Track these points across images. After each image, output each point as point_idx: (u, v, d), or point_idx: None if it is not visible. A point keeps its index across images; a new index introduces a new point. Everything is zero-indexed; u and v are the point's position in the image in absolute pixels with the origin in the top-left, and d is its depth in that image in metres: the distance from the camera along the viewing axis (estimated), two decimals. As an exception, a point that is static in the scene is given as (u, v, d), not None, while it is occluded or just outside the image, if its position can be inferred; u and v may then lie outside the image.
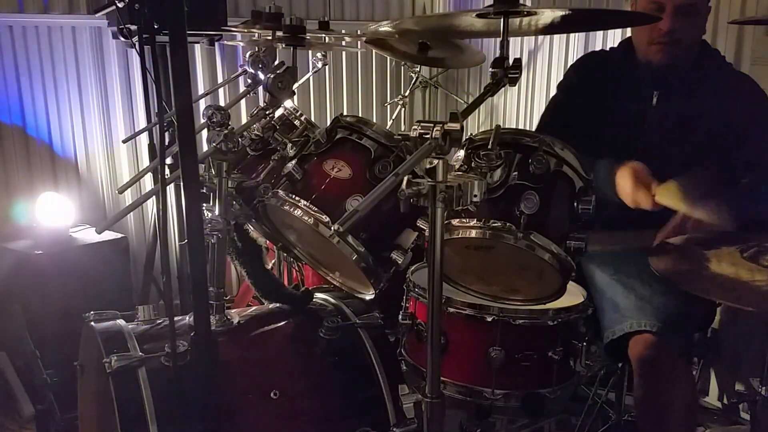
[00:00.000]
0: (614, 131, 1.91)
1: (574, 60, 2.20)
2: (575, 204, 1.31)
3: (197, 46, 3.17)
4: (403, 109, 3.66)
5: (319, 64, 2.77)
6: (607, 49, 2.14)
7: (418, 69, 3.70)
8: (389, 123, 3.74)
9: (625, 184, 1.67)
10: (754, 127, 1.82)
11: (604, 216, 1.56)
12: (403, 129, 3.79)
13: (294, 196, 1.38)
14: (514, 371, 1.54)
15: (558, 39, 3.34)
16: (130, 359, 1.29)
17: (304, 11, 3.51)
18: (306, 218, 1.35)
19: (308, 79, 2.94)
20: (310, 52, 3.00)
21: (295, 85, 1.64)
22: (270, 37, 2.03)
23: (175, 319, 1.32)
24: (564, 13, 1.27)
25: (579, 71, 2.07)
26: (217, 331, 1.42)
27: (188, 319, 1.44)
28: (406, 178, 1.04)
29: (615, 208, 1.66)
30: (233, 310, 1.54)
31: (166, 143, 1.96)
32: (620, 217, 1.68)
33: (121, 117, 3.10)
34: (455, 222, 1.27)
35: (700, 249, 1.51)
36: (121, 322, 1.44)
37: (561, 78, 2.13)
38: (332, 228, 1.27)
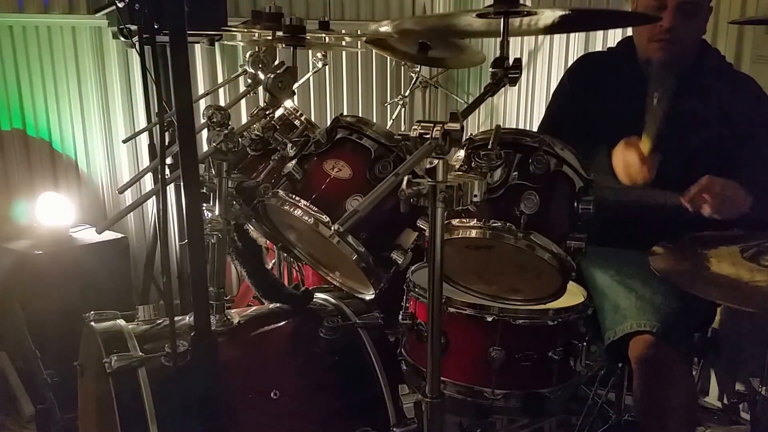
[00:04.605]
0: (614, 133, 1.90)
1: (574, 60, 2.19)
2: (575, 204, 1.31)
3: (197, 46, 3.16)
4: (403, 109, 3.65)
5: (319, 64, 2.78)
6: (605, 49, 2.13)
7: (418, 69, 3.69)
8: (389, 123, 3.73)
9: (618, 161, 1.68)
10: (755, 127, 1.82)
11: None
12: (403, 129, 3.79)
13: (294, 196, 1.38)
14: (514, 371, 1.54)
15: (558, 39, 3.34)
16: (130, 359, 1.29)
17: (304, 11, 3.50)
18: (306, 218, 1.34)
19: (308, 79, 2.95)
20: (310, 52, 3.01)
21: (295, 85, 1.64)
22: (270, 37, 2.04)
23: (175, 319, 1.32)
24: (564, 13, 1.27)
25: (572, 76, 2.06)
26: (217, 331, 1.42)
27: (188, 319, 1.45)
28: (406, 178, 1.04)
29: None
30: (233, 310, 1.54)
31: (166, 143, 1.95)
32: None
33: (121, 117, 3.10)
34: (455, 222, 1.27)
35: (700, 249, 1.51)
36: (121, 322, 1.44)
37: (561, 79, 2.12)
38: (332, 228, 1.27)
